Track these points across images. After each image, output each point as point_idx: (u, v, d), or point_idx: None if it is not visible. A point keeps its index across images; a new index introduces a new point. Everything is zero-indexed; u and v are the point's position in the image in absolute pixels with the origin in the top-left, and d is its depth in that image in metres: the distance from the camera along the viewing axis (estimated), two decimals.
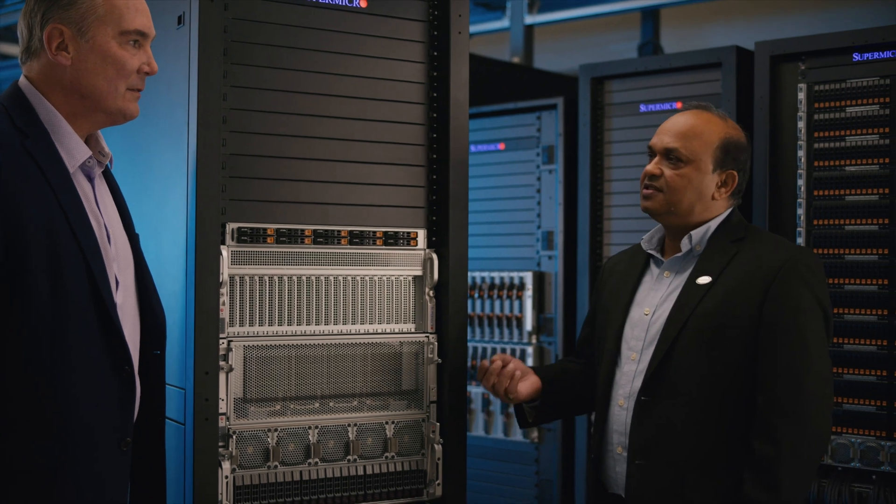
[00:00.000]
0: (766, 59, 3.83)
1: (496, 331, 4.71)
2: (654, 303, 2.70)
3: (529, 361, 4.62)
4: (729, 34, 6.14)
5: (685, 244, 2.68)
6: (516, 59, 6.38)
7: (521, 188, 4.76)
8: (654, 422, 2.59)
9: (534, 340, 4.63)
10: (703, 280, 2.61)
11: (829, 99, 3.70)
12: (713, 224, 2.70)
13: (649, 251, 2.78)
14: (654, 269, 2.78)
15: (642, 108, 4.30)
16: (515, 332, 4.67)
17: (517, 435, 4.69)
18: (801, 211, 3.72)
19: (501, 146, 4.80)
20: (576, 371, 2.94)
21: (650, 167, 2.70)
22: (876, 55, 3.62)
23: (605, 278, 2.95)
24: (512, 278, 4.69)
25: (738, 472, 2.51)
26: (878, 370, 3.55)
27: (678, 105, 4.19)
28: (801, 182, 3.73)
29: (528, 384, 2.81)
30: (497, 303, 4.71)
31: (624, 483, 2.66)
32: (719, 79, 4.07)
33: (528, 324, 4.64)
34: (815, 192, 3.70)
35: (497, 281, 4.72)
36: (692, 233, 2.68)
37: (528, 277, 4.65)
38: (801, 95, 3.75)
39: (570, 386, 2.91)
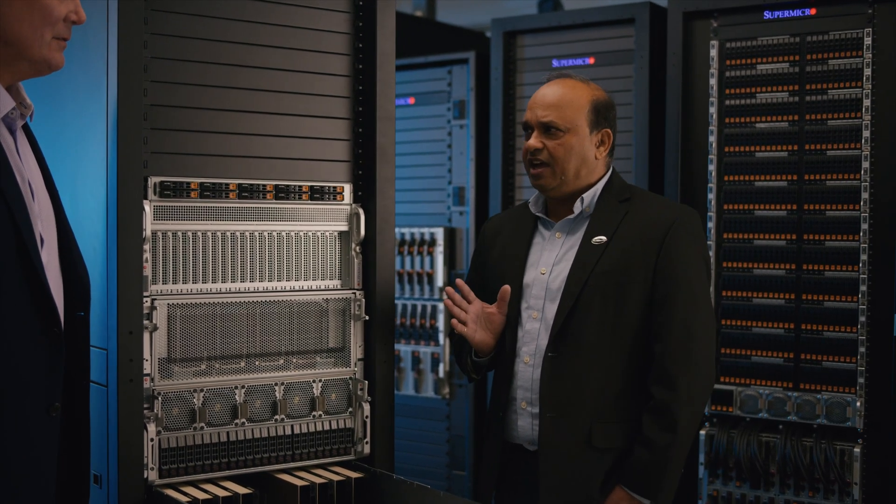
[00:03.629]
0: (679, 16, 3.86)
1: (406, 287, 4.68)
2: (549, 262, 2.78)
3: (440, 318, 4.61)
4: None
5: (577, 207, 2.77)
6: (419, 14, 6.31)
7: (432, 143, 4.71)
8: (563, 376, 2.69)
9: (445, 297, 4.60)
10: (599, 240, 2.72)
11: (740, 56, 3.75)
12: (599, 186, 2.79)
13: (538, 214, 2.85)
14: (543, 231, 2.85)
15: (555, 63, 4.30)
16: (426, 288, 4.65)
17: (428, 391, 4.68)
18: (712, 167, 3.78)
19: (411, 101, 4.73)
20: None
21: (532, 142, 2.76)
22: (786, 13, 3.69)
23: (488, 241, 2.99)
24: (423, 234, 4.66)
25: (639, 418, 2.67)
26: (785, 323, 3.64)
27: (591, 61, 4.20)
28: (712, 138, 3.78)
29: (491, 336, 2.81)
30: (408, 259, 4.68)
31: (525, 435, 2.76)
32: (632, 35, 4.08)
33: (440, 280, 4.62)
34: (726, 148, 3.76)
35: (408, 237, 4.68)
36: (583, 196, 2.77)
37: (439, 233, 4.62)
38: (713, 52, 3.79)
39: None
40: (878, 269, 3.48)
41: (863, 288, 3.49)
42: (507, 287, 2.76)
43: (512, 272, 2.83)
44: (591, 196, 2.77)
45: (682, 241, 2.69)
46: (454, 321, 2.83)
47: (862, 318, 3.50)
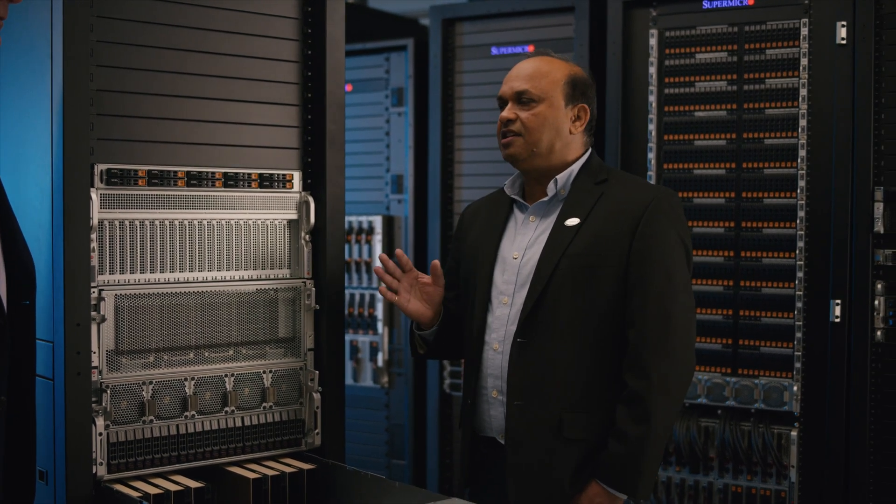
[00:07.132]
0: (619, 5, 3.88)
1: (344, 275, 4.63)
2: (522, 246, 2.69)
3: (379, 307, 4.58)
4: None
5: (551, 189, 2.68)
6: (351, 0, 6.24)
7: (370, 131, 4.67)
8: (531, 362, 2.59)
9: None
10: (572, 222, 2.62)
11: (679, 45, 3.79)
12: (575, 167, 2.70)
13: (513, 196, 2.76)
14: (518, 215, 2.76)
15: (494, 50, 4.29)
16: (364, 276, 4.62)
17: (367, 380, 4.66)
18: (651, 155, 3.81)
19: (349, 88, 4.69)
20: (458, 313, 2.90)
21: (505, 113, 2.68)
22: (725, 3, 3.73)
23: (465, 227, 2.91)
24: (360, 222, 4.62)
25: (612, 408, 2.57)
26: (723, 310, 3.70)
27: (530, 48, 4.20)
28: (651, 127, 3.82)
29: (427, 307, 2.78)
30: (345, 247, 4.63)
31: (498, 426, 2.66)
32: (572, 23, 4.09)
33: None
34: (665, 137, 3.80)
35: (345, 225, 4.63)
36: (557, 177, 2.68)
37: (378, 221, 4.59)
38: (653, 41, 3.82)
39: (460, 326, 2.86)
40: (815, 255, 3.55)
41: (799, 274, 3.56)
42: (436, 262, 2.73)
43: (484, 257, 2.74)
44: (565, 177, 2.68)
45: (658, 223, 2.58)
46: (381, 287, 2.77)
47: (799, 304, 3.56)
